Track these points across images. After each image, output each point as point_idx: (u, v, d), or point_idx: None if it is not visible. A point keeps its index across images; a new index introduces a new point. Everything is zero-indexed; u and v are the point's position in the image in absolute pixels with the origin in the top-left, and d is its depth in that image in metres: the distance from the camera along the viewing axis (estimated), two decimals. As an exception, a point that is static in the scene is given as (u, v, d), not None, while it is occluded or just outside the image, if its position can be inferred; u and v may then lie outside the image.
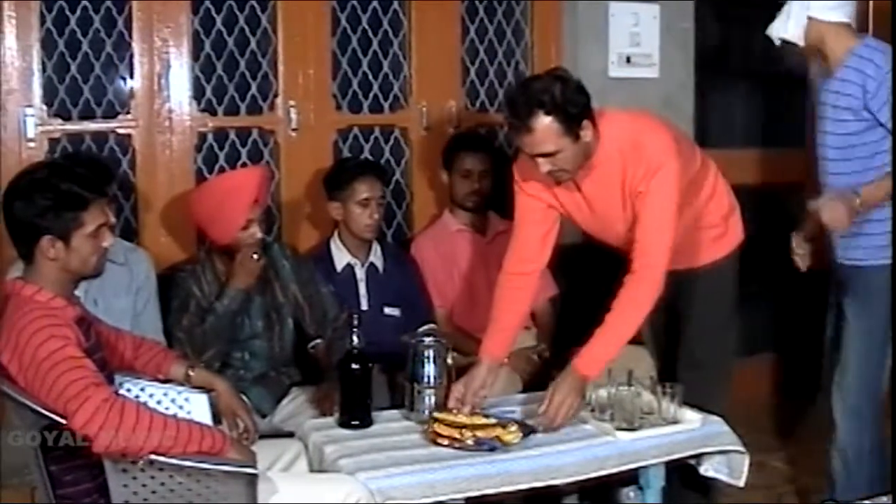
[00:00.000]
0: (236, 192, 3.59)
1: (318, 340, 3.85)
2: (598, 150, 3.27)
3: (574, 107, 3.14)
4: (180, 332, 3.62)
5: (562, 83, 3.15)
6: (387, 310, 4.06)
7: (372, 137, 4.57)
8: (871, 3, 5.26)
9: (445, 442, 3.06)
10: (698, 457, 3.30)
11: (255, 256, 3.60)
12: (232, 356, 3.69)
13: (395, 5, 4.55)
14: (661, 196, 3.25)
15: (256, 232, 3.61)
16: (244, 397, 3.31)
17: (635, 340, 4.26)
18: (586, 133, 3.19)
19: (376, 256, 4.11)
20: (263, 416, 3.61)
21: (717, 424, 3.29)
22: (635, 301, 3.25)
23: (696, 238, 3.59)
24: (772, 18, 3.67)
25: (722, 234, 3.66)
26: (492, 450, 3.03)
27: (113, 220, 2.91)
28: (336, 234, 4.09)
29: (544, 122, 3.12)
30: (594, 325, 3.27)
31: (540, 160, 3.19)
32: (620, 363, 3.64)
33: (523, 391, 3.79)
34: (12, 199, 2.68)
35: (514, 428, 3.11)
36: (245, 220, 3.57)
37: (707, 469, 3.33)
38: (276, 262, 3.77)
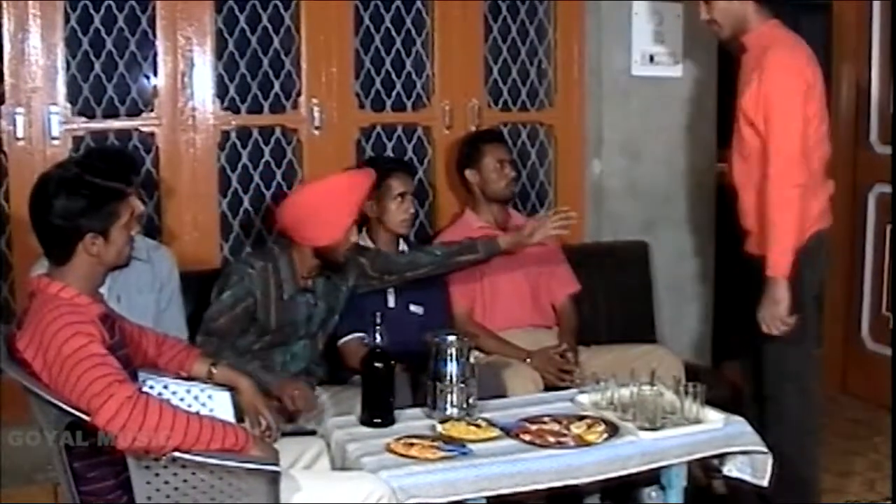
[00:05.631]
0: (347, 193, 3.57)
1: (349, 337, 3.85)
2: (749, 40, 3.63)
3: None
4: (212, 330, 3.54)
5: None
6: (412, 307, 4.04)
7: (395, 136, 4.58)
8: (872, 2, 5.24)
9: (528, 438, 3.08)
10: (721, 457, 3.30)
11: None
12: (273, 359, 3.66)
13: (419, 4, 4.56)
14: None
15: (354, 233, 3.63)
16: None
17: (655, 340, 4.27)
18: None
19: (402, 254, 4.11)
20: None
21: (740, 424, 3.28)
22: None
23: None
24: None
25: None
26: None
27: (141, 208, 2.95)
28: (364, 231, 4.07)
29: None
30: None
31: (701, 5, 3.72)
32: (643, 362, 3.65)
33: (545, 391, 3.78)
34: (49, 202, 2.65)
35: (600, 427, 3.13)
36: (351, 222, 3.58)
37: (730, 469, 3.33)
38: None
